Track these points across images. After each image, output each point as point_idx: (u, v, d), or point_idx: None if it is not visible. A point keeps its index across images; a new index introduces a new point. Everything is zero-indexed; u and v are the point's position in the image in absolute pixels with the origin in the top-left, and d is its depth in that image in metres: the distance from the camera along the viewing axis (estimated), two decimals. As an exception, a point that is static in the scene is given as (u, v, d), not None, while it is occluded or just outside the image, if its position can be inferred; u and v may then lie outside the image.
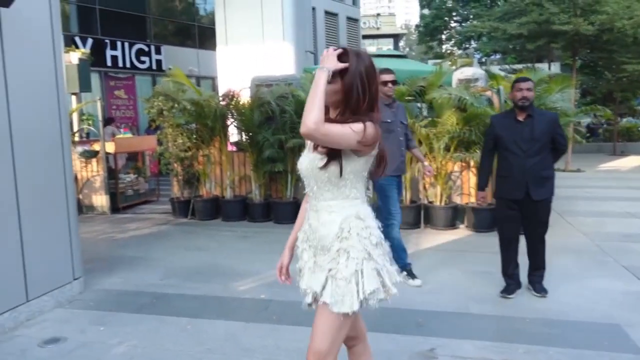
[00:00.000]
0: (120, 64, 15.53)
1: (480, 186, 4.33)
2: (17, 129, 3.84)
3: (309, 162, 2.01)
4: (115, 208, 8.42)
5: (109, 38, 15.18)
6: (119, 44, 15.45)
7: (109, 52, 15.16)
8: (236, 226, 7.22)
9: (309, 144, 2.04)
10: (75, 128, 9.53)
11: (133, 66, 15.90)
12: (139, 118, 15.94)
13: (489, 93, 6.93)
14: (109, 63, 15.17)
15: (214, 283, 4.74)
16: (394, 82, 4.44)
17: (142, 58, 16.17)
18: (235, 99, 7.44)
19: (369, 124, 1.88)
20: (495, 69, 14.13)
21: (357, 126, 1.86)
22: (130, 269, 5.24)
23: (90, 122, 10.16)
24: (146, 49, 16.30)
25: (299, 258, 2.13)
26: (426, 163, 5.03)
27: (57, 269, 4.28)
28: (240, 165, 7.83)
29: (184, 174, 7.84)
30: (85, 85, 9.03)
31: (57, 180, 4.30)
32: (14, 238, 3.83)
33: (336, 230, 1.98)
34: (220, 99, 7.52)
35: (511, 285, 4.19)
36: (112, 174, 8.54)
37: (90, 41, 14.45)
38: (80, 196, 8.33)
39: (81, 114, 9.81)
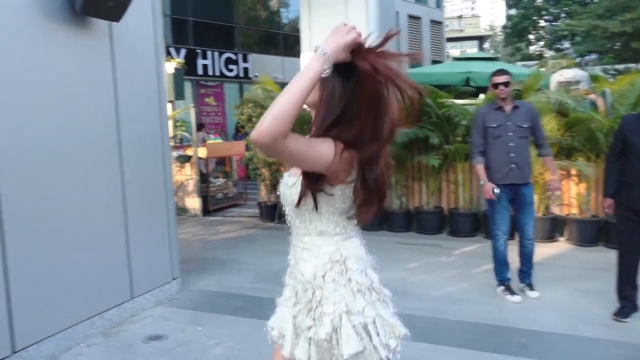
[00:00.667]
0: (210, 73, 16.25)
1: (607, 193, 3.89)
2: (125, 137, 4.08)
3: (283, 186, 1.66)
4: (206, 210, 8.77)
5: (200, 48, 15.94)
6: (209, 53, 16.17)
7: (200, 62, 15.91)
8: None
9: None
10: (171, 134, 10.05)
11: (222, 74, 16.58)
12: (226, 124, 16.59)
13: (592, 96, 6.44)
14: (200, 72, 15.92)
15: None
16: (507, 84, 4.18)
17: (230, 66, 16.82)
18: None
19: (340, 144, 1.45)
20: (596, 69, 13.19)
21: (327, 145, 1.45)
22: (222, 271, 5.40)
23: (184, 128, 10.68)
24: (234, 57, 16.93)
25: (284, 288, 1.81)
26: (554, 177, 4.42)
27: (158, 269, 4.49)
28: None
29: (271, 179, 8.00)
30: (179, 93, 9.52)
31: (159, 185, 4.52)
32: (121, 239, 4.06)
33: (309, 275, 1.62)
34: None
35: (627, 307, 3.81)
36: (203, 178, 8.90)
37: (183, 51, 15.25)
38: (175, 199, 8.74)
39: (175, 120, 10.34)
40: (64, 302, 3.56)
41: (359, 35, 1.42)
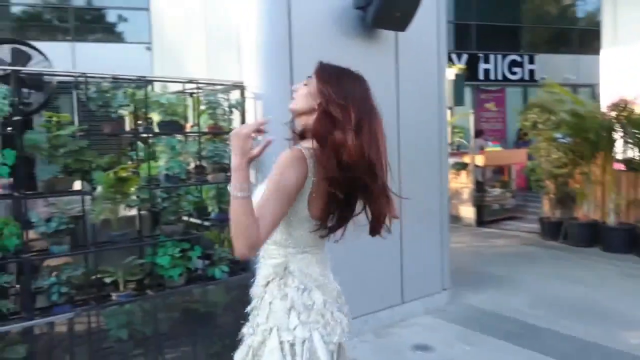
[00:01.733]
0: (492, 77, 15.63)
1: None
2: (403, 141, 4.15)
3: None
4: (480, 221, 8.41)
5: (482, 52, 15.50)
6: (491, 57, 15.58)
7: (481, 66, 15.47)
8: (620, 260, 6.08)
9: None
10: (448, 141, 10.02)
11: (505, 78, 15.77)
12: (507, 130, 15.71)
13: None
14: (481, 77, 15.48)
15: (592, 325, 4.04)
16: None
17: (514, 69, 15.85)
18: (627, 109, 6.30)
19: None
20: None
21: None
22: (495, 288, 5.04)
23: (461, 135, 10.52)
24: (519, 59, 15.91)
25: None
26: None
27: (428, 278, 4.45)
28: (629, 187, 6.59)
29: (557, 192, 7.14)
30: (459, 100, 9.37)
31: (434, 192, 4.47)
32: (395, 243, 4.16)
33: (259, 282, 1.62)
34: (608, 109, 6.51)
35: None
36: (479, 187, 8.57)
37: (465, 56, 15.07)
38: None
39: (453, 127, 10.26)
40: (347, 297, 3.81)
41: (255, 123, 1.49)
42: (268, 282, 1.62)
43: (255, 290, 1.67)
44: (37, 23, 13.39)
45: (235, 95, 3.45)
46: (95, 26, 13.39)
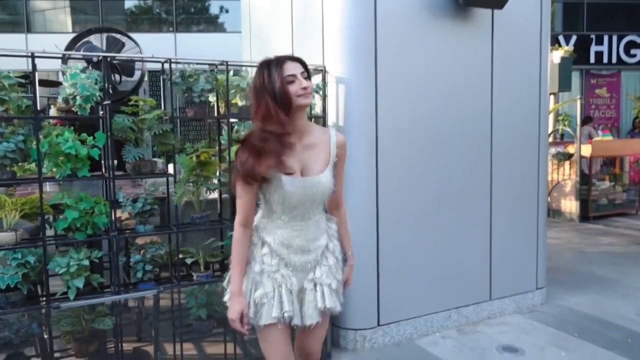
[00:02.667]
0: (605, 60, 14.26)
1: None
2: (497, 128, 3.86)
3: (325, 183, 1.89)
4: (584, 217, 7.72)
5: (594, 33, 14.16)
6: (605, 38, 14.19)
7: (593, 48, 14.16)
8: None
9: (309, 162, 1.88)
10: (550, 129, 9.29)
11: (620, 61, 14.32)
12: (620, 118, 14.29)
13: None
14: (592, 60, 14.18)
15: None
16: None
17: (633, 51, 14.32)
18: None
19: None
20: None
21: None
22: (599, 291, 4.57)
23: (566, 122, 9.70)
24: (638, 40, 14.34)
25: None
26: None
27: (520, 275, 4.13)
28: None
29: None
30: (565, 85, 8.64)
31: (530, 183, 4.12)
32: (484, 236, 3.89)
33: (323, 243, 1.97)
34: None
35: None
36: (584, 179, 7.85)
37: (574, 38, 13.87)
38: (549, 199, 8.05)
39: (557, 114, 9.47)
40: (427, 289, 3.66)
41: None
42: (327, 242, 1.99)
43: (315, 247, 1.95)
44: (147, 16, 14.33)
45: (317, 79, 3.38)
46: (197, 17, 14.05)
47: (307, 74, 1.84)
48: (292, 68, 1.79)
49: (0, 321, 2.50)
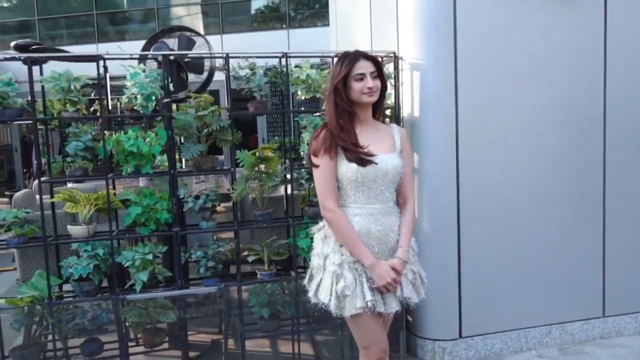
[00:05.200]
0: None
1: None
2: (611, 122, 3.25)
3: (395, 164, 1.97)
4: None
5: None
6: None
7: None
8: None
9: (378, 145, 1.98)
10: None
11: None
12: None
13: None
14: None
15: None
16: None
17: None
18: None
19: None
20: None
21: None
22: None
23: None
24: None
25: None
26: None
27: (645, 288, 3.47)
28: None
29: None
30: None
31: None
32: (595, 245, 3.32)
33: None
34: None
35: None
36: None
37: None
38: None
39: None
40: (519, 301, 3.22)
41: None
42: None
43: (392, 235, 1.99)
44: (263, 15, 14.91)
45: (391, 67, 3.14)
46: (309, 12, 14.25)
47: (379, 73, 1.94)
48: (363, 66, 1.92)
49: (76, 309, 2.68)
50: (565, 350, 3.26)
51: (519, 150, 3.15)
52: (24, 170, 11.33)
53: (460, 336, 3.15)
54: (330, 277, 1.93)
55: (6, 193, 6.88)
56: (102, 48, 12.38)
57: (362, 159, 1.89)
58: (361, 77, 1.90)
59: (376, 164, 1.91)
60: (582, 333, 3.37)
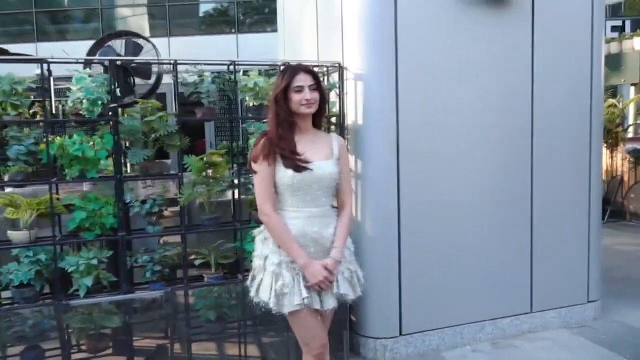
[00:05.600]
0: None
1: None
2: (538, 124, 3.53)
3: (331, 171, 2.10)
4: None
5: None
6: None
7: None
8: None
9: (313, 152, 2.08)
10: (631, 122, 8.48)
11: None
12: None
13: None
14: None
15: None
16: None
17: None
18: None
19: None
20: None
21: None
22: (667, 306, 4.07)
23: (649, 116, 8.81)
24: None
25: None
26: None
27: (568, 286, 3.75)
28: None
29: None
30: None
31: (579, 186, 3.73)
32: (523, 242, 3.58)
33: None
34: None
35: None
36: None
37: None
38: (625, 201, 7.33)
39: (639, 108, 8.62)
40: (455, 299, 3.42)
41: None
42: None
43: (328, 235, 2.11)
44: (212, 19, 14.77)
45: (335, 77, 3.27)
46: (258, 17, 14.26)
47: (318, 85, 2.06)
48: (302, 79, 2.05)
49: (16, 316, 2.63)
50: (497, 345, 3.49)
51: (455, 155, 3.35)
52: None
53: (401, 334, 3.31)
54: (270, 276, 2.04)
55: None
56: (42, 48, 11.92)
57: (299, 165, 2.01)
58: (300, 90, 2.03)
59: (312, 170, 2.03)
60: (513, 328, 3.61)
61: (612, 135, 7.56)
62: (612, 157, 7.78)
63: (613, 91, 8.05)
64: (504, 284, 3.55)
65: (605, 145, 7.72)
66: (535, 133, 3.54)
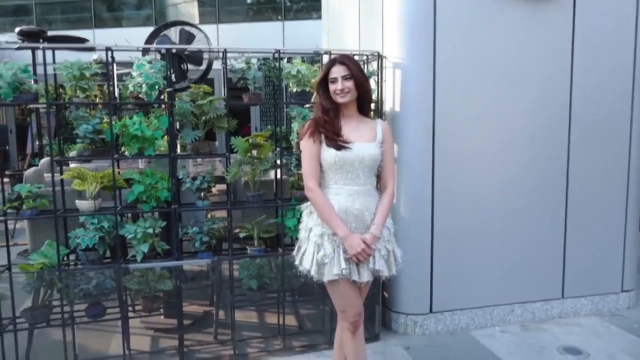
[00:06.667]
0: None
1: None
2: (576, 114, 3.57)
3: (372, 152, 2.26)
4: None
5: None
6: None
7: None
8: None
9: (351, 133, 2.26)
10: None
11: None
12: None
13: None
14: None
15: None
16: None
17: None
18: None
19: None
20: None
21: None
22: None
23: None
24: None
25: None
26: None
27: (602, 274, 3.79)
28: None
29: None
30: None
31: (617, 175, 3.74)
32: (557, 229, 3.64)
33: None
34: None
35: None
36: None
37: None
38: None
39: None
40: (485, 281, 3.54)
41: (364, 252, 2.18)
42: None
43: (369, 213, 2.26)
44: (259, 6, 15.02)
45: (375, 65, 3.42)
46: (304, 4, 14.39)
47: (353, 75, 2.22)
48: (336, 71, 2.23)
49: (82, 275, 2.96)
50: (526, 327, 3.59)
51: (489, 142, 3.44)
52: (19, 151, 11.50)
53: (431, 311, 3.46)
54: (313, 247, 2.21)
55: (6, 172, 7.08)
56: (98, 34, 12.51)
57: (339, 144, 2.18)
58: (334, 80, 2.22)
59: (352, 149, 2.19)
60: (542, 312, 3.70)
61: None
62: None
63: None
64: (536, 268, 3.63)
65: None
66: (572, 120, 3.58)
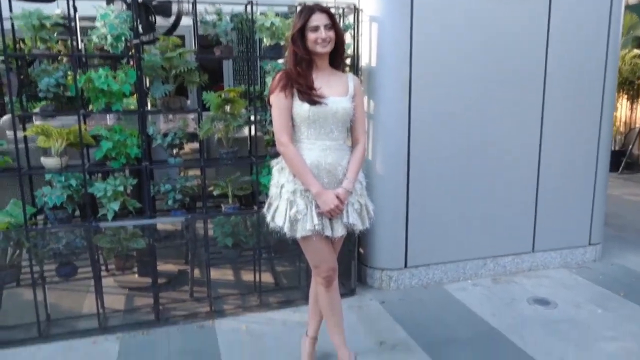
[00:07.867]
0: None
1: None
2: (551, 73, 3.57)
3: (345, 106, 2.22)
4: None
5: None
6: None
7: None
8: None
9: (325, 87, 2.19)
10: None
11: None
12: None
13: None
14: None
15: None
16: None
17: None
18: None
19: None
20: None
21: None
22: (668, 252, 4.20)
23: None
24: None
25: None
26: None
27: (571, 228, 3.90)
28: None
29: None
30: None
31: (590, 135, 3.79)
32: (529, 185, 3.70)
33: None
34: None
35: None
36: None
37: None
38: (639, 151, 7.33)
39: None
40: (459, 236, 3.59)
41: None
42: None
43: (341, 168, 2.24)
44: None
45: (351, 18, 3.32)
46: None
47: (333, 24, 2.14)
48: (317, 19, 2.12)
49: (51, 235, 2.88)
50: (497, 280, 3.68)
51: (465, 99, 3.43)
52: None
53: (406, 266, 3.51)
54: (285, 203, 2.18)
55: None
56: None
57: (314, 99, 2.12)
58: (316, 29, 2.11)
59: (326, 104, 2.14)
60: (513, 266, 3.79)
61: (634, 87, 7.46)
62: (631, 109, 7.71)
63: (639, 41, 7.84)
64: (507, 223, 3.70)
65: (626, 96, 7.63)
66: (547, 79, 3.58)
